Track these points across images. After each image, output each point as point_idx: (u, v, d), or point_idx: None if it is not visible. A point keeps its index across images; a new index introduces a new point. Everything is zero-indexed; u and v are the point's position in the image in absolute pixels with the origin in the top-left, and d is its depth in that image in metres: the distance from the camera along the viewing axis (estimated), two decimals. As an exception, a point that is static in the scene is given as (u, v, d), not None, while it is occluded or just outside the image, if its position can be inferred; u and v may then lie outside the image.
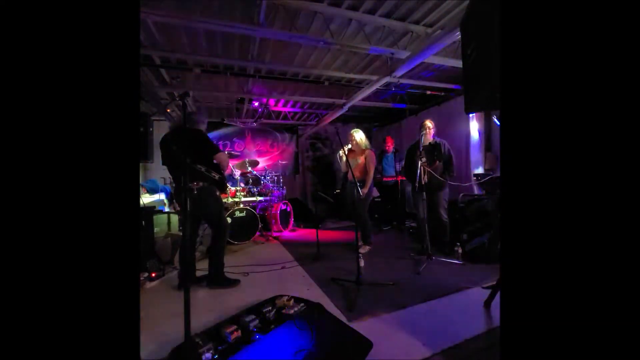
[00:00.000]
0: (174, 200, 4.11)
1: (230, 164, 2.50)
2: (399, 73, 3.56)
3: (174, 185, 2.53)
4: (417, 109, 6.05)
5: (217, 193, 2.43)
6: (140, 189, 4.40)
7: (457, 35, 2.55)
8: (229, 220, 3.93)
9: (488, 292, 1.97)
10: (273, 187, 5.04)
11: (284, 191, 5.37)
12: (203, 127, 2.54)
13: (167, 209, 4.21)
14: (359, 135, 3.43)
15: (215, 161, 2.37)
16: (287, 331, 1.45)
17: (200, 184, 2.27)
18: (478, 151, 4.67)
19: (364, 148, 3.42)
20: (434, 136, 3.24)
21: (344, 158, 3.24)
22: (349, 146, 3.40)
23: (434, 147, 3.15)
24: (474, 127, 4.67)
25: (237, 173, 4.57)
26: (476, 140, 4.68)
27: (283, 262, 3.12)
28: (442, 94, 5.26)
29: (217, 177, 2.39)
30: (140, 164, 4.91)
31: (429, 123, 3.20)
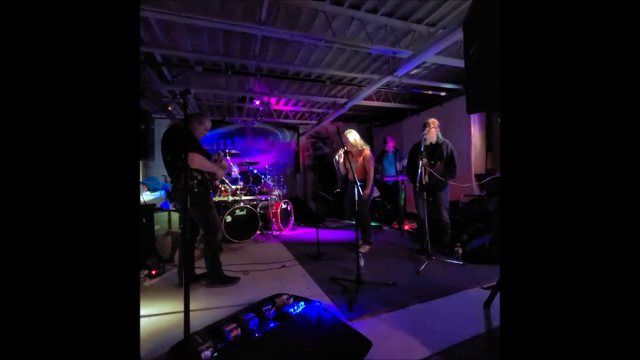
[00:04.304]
0: (172, 200, 4.11)
1: (206, 164, 2.40)
2: (401, 72, 3.55)
3: (171, 185, 2.50)
4: (419, 109, 6.05)
5: (203, 193, 2.38)
6: (141, 186, 4.41)
7: (460, 35, 2.54)
8: (228, 218, 3.94)
9: (488, 292, 1.97)
10: (273, 185, 5.04)
11: (285, 190, 5.37)
12: (198, 130, 2.48)
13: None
14: (352, 136, 3.35)
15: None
16: (286, 330, 1.45)
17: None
18: (479, 151, 4.67)
19: (360, 148, 3.36)
20: (437, 134, 3.21)
21: (341, 161, 3.23)
22: (345, 148, 3.35)
23: (435, 147, 3.14)
24: (475, 127, 4.66)
25: (236, 171, 4.56)
26: (477, 140, 4.67)
27: (283, 260, 3.12)
28: (444, 93, 5.25)
29: (199, 177, 2.33)
30: (141, 162, 4.92)
31: (431, 121, 3.15)
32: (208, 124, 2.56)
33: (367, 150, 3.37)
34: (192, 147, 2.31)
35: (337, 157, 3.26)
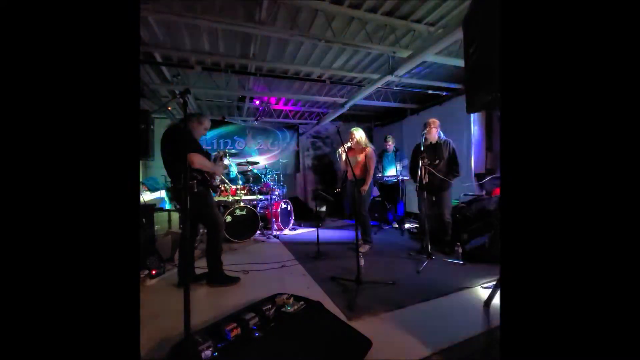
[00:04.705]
0: (172, 199, 4.10)
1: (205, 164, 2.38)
2: (401, 72, 3.55)
3: (171, 185, 2.50)
4: (419, 108, 6.05)
5: (204, 193, 2.38)
6: (141, 186, 4.41)
7: (459, 34, 2.53)
8: (229, 218, 3.94)
9: (488, 291, 1.97)
10: (273, 185, 5.04)
11: (285, 190, 5.37)
12: (197, 130, 2.47)
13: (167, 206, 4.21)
14: (358, 134, 3.41)
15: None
16: (286, 329, 1.45)
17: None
18: (479, 151, 4.66)
19: (363, 146, 3.40)
20: (439, 134, 3.21)
21: (344, 156, 3.23)
22: (349, 144, 3.38)
23: (435, 147, 3.14)
24: (476, 126, 4.66)
25: (235, 170, 4.58)
26: (477, 139, 4.67)
27: (283, 260, 3.12)
28: (444, 93, 5.25)
29: (199, 177, 2.33)
30: (141, 162, 4.92)
31: (431, 121, 3.15)
32: (207, 123, 2.55)
33: (370, 149, 3.40)
34: (192, 148, 2.31)
35: (340, 150, 3.26)
